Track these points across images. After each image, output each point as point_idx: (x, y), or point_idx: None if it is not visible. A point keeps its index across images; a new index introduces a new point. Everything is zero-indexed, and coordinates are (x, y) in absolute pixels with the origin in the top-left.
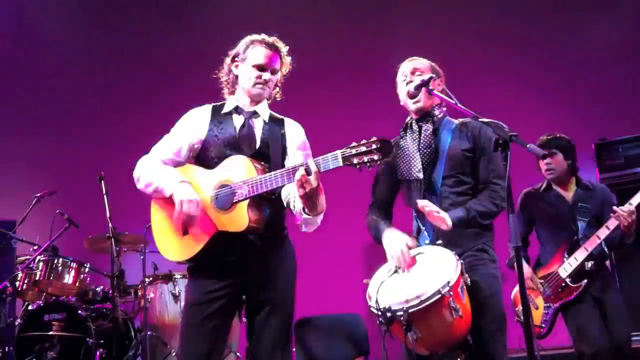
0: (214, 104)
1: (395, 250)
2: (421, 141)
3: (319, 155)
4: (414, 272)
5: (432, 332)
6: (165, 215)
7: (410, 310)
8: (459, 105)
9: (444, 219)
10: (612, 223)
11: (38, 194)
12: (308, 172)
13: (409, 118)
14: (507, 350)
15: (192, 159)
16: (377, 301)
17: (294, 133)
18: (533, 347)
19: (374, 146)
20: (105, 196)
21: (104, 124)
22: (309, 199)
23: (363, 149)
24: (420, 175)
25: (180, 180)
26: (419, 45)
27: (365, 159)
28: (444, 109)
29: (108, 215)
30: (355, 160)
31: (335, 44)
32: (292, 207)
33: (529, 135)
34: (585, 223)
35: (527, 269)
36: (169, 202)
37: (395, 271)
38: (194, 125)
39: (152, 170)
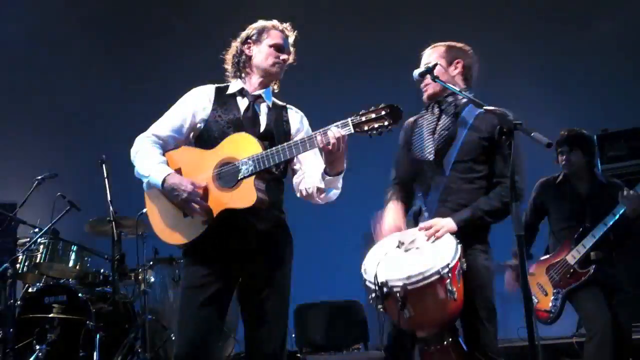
0: (217, 85)
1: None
2: (440, 123)
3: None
4: (414, 251)
5: (425, 311)
6: (163, 199)
7: (408, 287)
8: (462, 93)
9: (447, 228)
10: (618, 209)
11: (39, 177)
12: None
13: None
14: (499, 340)
15: (193, 139)
16: (375, 275)
17: (298, 120)
18: (534, 336)
19: (383, 112)
20: (106, 179)
21: (105, 107)
22: (333, 159)
23: (373, 115)
24: (431, 157)
25: (168, 172)
26: (428, 34)
27: (376, 125)
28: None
29: (109, 198)
30: (365, 127)
31: (345, 31)
32: (306, 188)
33: (532, 126)
34: (594, 214)
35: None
36: None
37: (398, 246)
38: (197, 103)
39: (140, 159)
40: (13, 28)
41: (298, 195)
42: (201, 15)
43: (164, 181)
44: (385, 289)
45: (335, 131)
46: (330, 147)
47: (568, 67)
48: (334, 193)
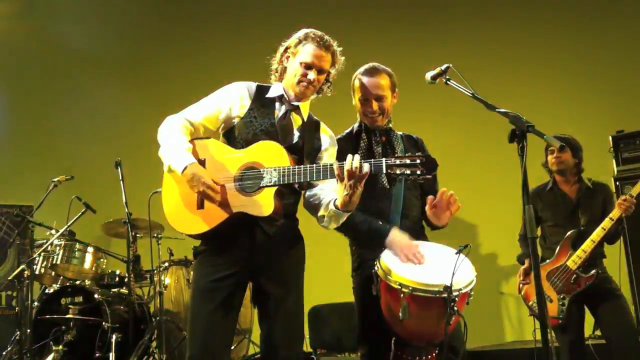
0: (259, 84)
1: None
2: (383, 149)
3: None
4: (431, 260)
5: (421, 322)
6: (180, 184)
7: (414, 293)
8: (475, 95)
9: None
10: (615, 214)
11: (55, 179)
12: (360, 170)
13: (357, 125)
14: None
15: (221, 131)
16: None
17: (328, 141)
18: (548, 339)
19: (418, 161)
20: (121, 182)
21: (122, 109)
22: (348, 194)
23: (407, 161)
24: (387, 185)
25: (191, 162)
26: (437, 35)
27: (407, 171)
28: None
29: (124, 200)
30: (397, 171)
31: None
32: (314, 209)
33: (546, 128)
34: (587, 219)
35: (524, 266)
36: None
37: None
38: (236, 98)
39: (166, 141)
40: (30, 33)
41: (305, 207)
42: (218, 23)
43: (184, 169)
44: (393, 282)
45: (363, 167)
46: (347, 177)
47: (582, 68)
48: (333, 226)
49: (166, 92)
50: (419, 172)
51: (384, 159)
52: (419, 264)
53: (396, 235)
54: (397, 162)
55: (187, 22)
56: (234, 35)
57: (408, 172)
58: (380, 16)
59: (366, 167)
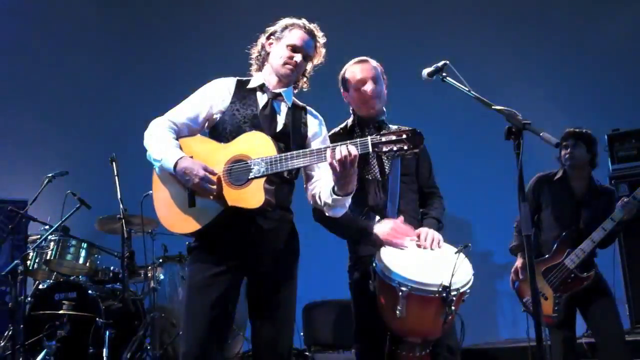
0: (239, 77)
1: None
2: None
3: None
4: (429, 258)
5: (418, 320)
6: (171, 185)
7: (412, 292)
8: (471, 93)
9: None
10: (617, 216)
11: (50, 174)
12: (349, 154)
13: (352, 120)
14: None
15: (207, 129)
16: (386, 265)
17: (316, 125)
18: (542, 337)
19: (404, 136)
20: (116, 177)
21: (116, 105)
22: (343, 178)
23: (393, 137)
24: (379, 177)
25: (181, 156)
26: (434, 32)
27: (395, 147)
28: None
29: (119, 196)
30: (384, 148)
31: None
32: (317, 197)
33: (542, 126)
34: (588, 219)
35: (520, 261)
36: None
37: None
38: (216, 95)
39: (153, 142)
40: (22, 23)
41: (310, 202)
42: (215, 17)
43: (176, 164)
44: (390, 280)
45: (349, 149)
46: (337, 164)
47: (578, 66)
48: (340, 211)
49: (163, 86)
50: (406, 147)
51: (369, 137)
52: (409, 240)
53: (379, 228)
54: (383, 139)
55: (193, 12)
56: (232, 27)
57: (395, 148)
58: (373, 11)
59: (353, 150)
